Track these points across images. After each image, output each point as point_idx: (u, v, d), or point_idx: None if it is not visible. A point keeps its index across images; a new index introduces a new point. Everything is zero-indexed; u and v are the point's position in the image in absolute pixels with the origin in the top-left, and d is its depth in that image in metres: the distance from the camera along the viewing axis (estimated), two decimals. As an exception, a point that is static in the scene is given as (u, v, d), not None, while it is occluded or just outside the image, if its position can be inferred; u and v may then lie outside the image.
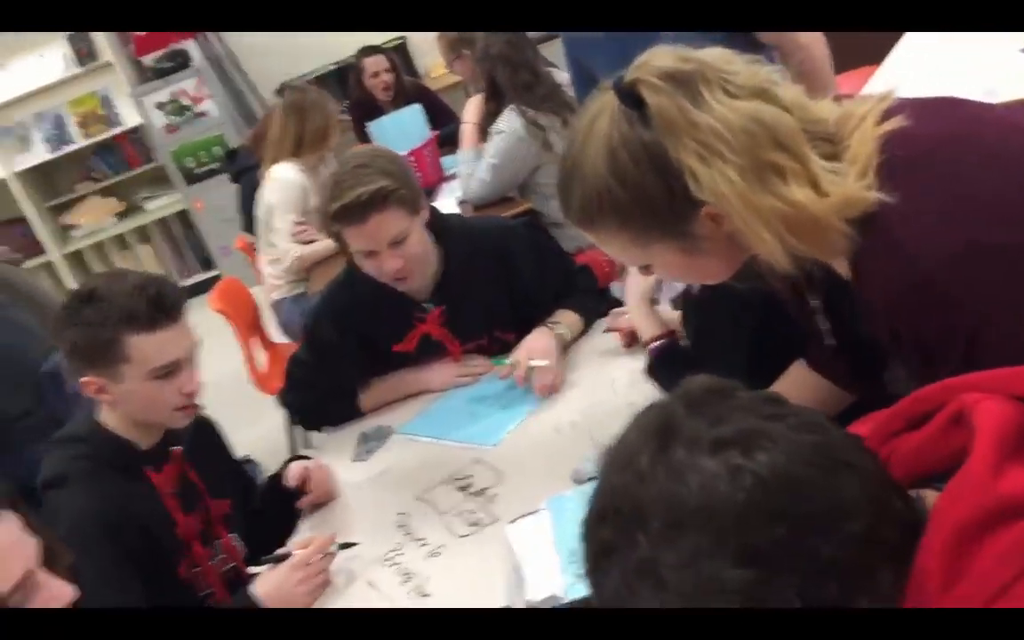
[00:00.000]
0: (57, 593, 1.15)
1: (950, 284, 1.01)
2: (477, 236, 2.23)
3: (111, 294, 1.65)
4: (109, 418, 1.74)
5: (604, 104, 1.15)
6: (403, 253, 2.02)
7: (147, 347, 1.65)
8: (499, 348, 2.20)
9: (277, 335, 3.92)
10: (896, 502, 0.78)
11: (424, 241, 2.09)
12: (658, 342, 1.69)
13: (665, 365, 1.68)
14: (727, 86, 1.10)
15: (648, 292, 1.71)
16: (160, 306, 1.66)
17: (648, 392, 1.89)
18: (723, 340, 1.50)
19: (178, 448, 1.80)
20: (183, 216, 6.63)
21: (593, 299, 2.26)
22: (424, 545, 1.71)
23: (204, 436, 1.93)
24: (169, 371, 1.68)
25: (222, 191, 6.12)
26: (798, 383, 1.45)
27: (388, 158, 2.06)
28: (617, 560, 0.81)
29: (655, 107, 1.09)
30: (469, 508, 1.76)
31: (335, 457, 2.10)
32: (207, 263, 6.69)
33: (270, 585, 1.67)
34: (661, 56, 1.13)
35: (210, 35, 6.44)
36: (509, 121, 3.24)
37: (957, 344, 1.01)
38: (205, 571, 1.79)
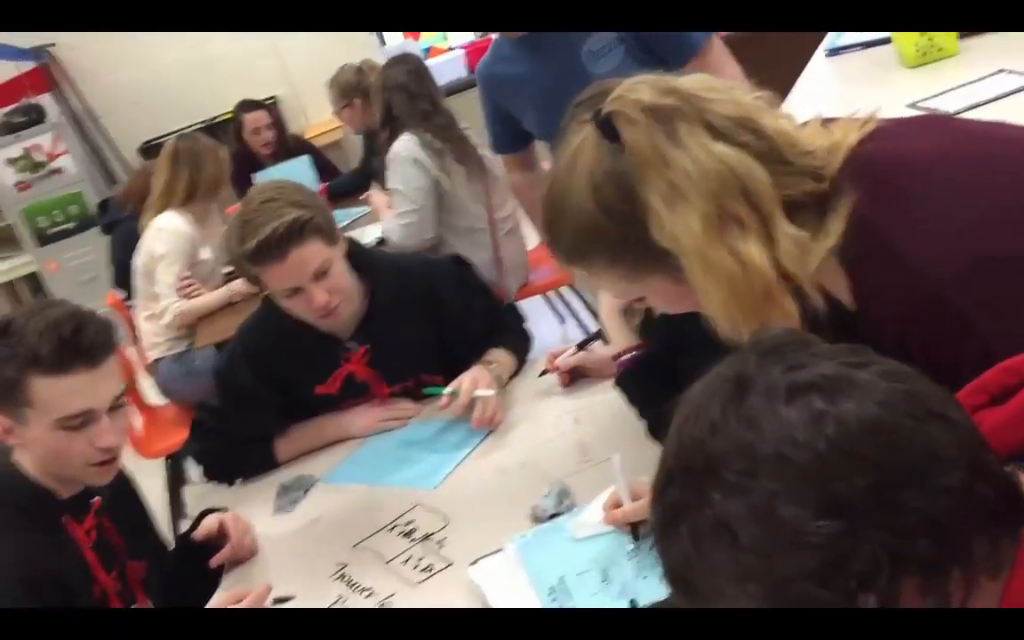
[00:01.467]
0: None
1: (960, 298, 0.98)
2: (402, 270, 2.12)
3: (23, 329, 1.45)
4: (25, 461, 1.53)
5: (585, 136, 1.11)
6: (328, 285, 1.89)
7: (52, 392, 1.45)
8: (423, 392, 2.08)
9: (154, 396, 3.64)
10: (992, 462, 0.73)
11: (348, 273, 1.97)
12: (629, 354, 1.61)
13: (636, 378, 1.60)
14: (710, 119, 1.06)
15: (623, 302, 1.63)
16: (73, 348, 1.45)
17: (594, 430, 1.82)
18: (700, 347, 1.44)
19: (97, 499, 1.59)
20: (32, 279, 6.16)
21: (522, 338, 2.19)
22: (371, 595, 1.55)
23: (122, 490, 1.72)
24: (80, 422, 1.48)
25: (80, 251, 5.78)
26: None
27: (294, 188, 1.94)
28: (687, 520, 0.75)
29: (630, 142, 1.06)
30: (418, 554, 1.62)
31: (253, 511, 1.91)
32: (59, 330, 6.22)
33: None
34: (641, 88, 1.09)
35: (66, 89, 6.11)
36: (403, 143, 3.21)
37: (971, 359, 0.98)
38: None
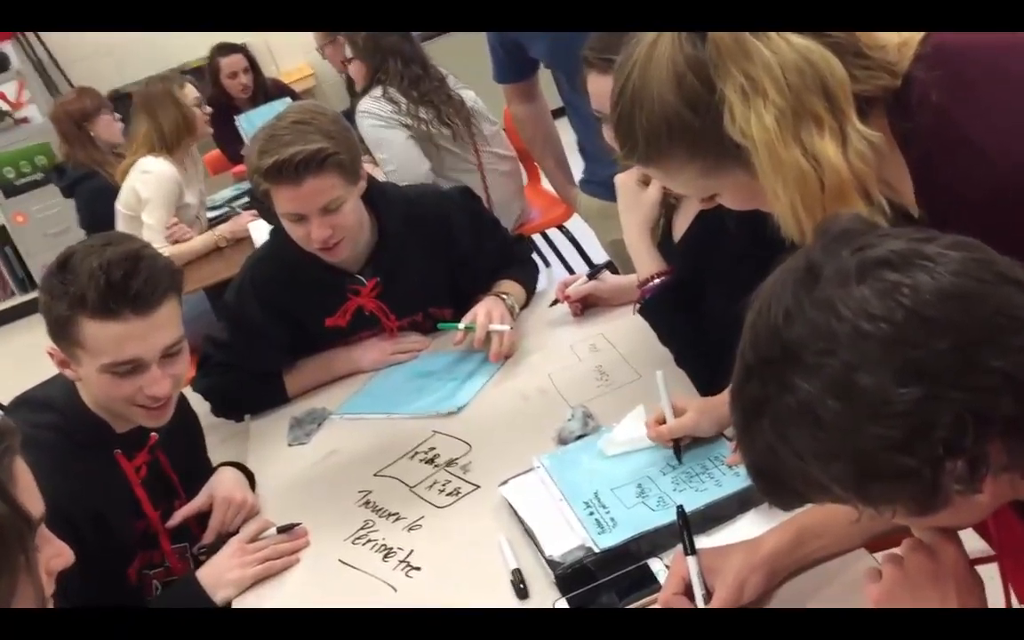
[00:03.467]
0: (61, 549, 0.95)
1: None
2: (413, 203, 2.09)
3: (78, 267, 1.41)
4: (84, 393, 1.51)
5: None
6: (333, 222, 1.86)
7: (100, 337, 1.41)
8: (434, 326, 2.07)
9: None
10: None
11: (358, 211, 1.93)
12: (655, 281, 1.60)
13: (661, 306, 1.59)
14: None
15: (651, 224, 1.61)
16: (120, 294, 1.39)
17: (612, 356, 1.82)
18: (727, 275, 1.43)
19: (154, 436, 1.57)
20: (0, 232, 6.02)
21: (533, 269, 2.18)
22: (399, 519, 1.55)
23: (182, 426, 1.70)
24: (129, 369, 1.44)
25: (49, 202, 5.64)
26: None
27: (330, 118, 1.89)
28: (768, 411, 0.76)
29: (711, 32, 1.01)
30: (443, 479, 1.62)
31: (269, 444, 1.90)
32: (28, 283, 6.10)
33: (206, 567, 1.52)
34: None
35: (30, 37, 5.93)
36: (367, 104, 3.08)
37: None
38: (173, 569, 1.60)
